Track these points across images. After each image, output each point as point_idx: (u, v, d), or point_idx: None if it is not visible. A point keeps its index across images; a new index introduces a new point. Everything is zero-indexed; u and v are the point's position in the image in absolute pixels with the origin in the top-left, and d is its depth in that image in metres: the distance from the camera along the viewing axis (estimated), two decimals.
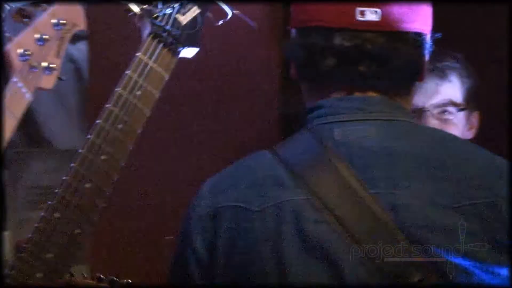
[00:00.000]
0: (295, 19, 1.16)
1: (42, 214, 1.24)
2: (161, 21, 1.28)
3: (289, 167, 1.09)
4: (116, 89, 1.28)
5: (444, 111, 1.75)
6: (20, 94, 1.55)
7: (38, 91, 1.56)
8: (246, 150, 2.44)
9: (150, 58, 1.27)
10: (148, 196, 2.27)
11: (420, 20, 1.12)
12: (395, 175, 1.05)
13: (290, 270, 1.05)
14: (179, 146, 2.29)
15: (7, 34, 1.52)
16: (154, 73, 1.28)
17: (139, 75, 1.27)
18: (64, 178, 1.22)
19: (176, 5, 1.30)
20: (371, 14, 1.06)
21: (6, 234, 1.89)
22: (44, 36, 1.53)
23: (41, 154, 2.22)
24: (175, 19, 1.28)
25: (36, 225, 1.24)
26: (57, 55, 1.57)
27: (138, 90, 1.26)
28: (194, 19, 1.30)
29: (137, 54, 1.28)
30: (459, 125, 1.77)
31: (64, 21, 1.55)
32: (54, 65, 1.55)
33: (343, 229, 1.03)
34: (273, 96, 2.66)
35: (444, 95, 1.79)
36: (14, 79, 1.53)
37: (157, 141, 2.23)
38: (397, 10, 1.07)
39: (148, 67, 1.27)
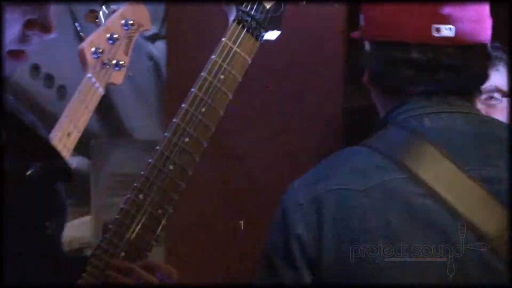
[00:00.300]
0: (371, 33, 1.27)
1: (128, 195, 1.25)
2: (246, 6, 1.29)
3: (386, 154, 1.18)
4: (201, 74, 1.26)
5: (490, 97, 1.81)
6: (93, 89, 1.67)
7: (110, 86, 1.70)
8: (312, 145, 2.37)
9: (234, 43, 1.27)
10: (221, 178, 2.31)
11: (485, 33, 1.22)
12: (484, 153, 1.15)
13: (400, 238, 1.14)
14: (251, 138, 2.32)
15: (81, 34, 1.66)
16: (238, 57, 1.28)
17: (224, 60, 1.26)
18: (149, 161, 1.22)
19: None
20: (446, 31, 1.17)
21: (89, 218, 2.06)
22: (114, 36, 1.65)
23: (122, 145, 2.32)
24: (260, 3, 1.29)
25: (121, 206, 1.25)
26: (126, 53, 1.69)
27: (222, 74, 1.25)
28: (278, 2, 1.31)
29: (222, 39, 1.27)
30: (503, 111, 1.82)
31: (132, 22, 1.67)
32: (123, 62, 1.68)
33: (445, 202, 1.12)
34: (337, 93, 2.68)
35: (491, 82, 1.86)
36: (88, 75, 1.66)
37: (231, 132, 2.24)
38: (468, 26, 1.18)
39: (233, 51, 1.27)
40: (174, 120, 1.20)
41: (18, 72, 1.21)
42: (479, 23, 1.23)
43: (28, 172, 1.21)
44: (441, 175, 1.19)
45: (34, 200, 1.23)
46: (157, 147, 1.20)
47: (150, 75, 2.50)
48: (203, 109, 1.20)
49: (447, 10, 1.23)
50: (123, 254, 1.19)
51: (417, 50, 1.21)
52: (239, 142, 2.29)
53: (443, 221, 1.16)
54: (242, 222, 2.23)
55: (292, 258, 1.20)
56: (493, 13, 1.60)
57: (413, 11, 1.25)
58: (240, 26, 1.26)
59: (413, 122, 1.21)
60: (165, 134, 1.21)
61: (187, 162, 1.19)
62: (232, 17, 1.28)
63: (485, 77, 1.26)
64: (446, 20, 1.20)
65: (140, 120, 2.41)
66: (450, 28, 1.19)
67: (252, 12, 1.26)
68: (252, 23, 1.26)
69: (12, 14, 1.09)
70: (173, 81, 2.36)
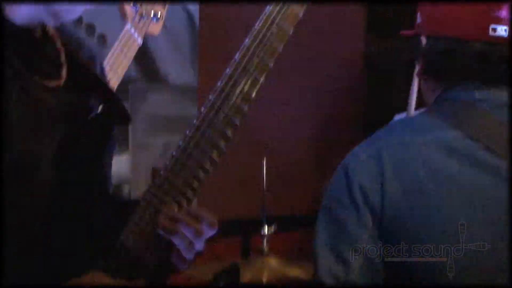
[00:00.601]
0: (430, 29, 1.43)
1: (180, 143, 1.31)
2: None
3: (439, 117, 1.35)
4: (255, 27, 1.33)
5: None
6: (132, 39, 1.79)
7: (147, 36, 1.83)
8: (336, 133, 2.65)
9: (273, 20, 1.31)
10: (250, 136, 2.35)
11: None
12: None
13: (455, 178, 1.30)
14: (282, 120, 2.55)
15: None
16: (289, 12, 1.32)
17: (277, 13, 1.33)
18: (202, 109, 1.27)
19: None
20: (502, 32, 1.32)
21: (126, 156, 2.19)
22: None
23: (158, 89, 2.44)
24: None
25: (172, 153, 1.31)
26: (163, 5, 1.81)
27: (274, 26, 1.32)
28: None
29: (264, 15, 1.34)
30: None
31: None
32: (160, 14, 1.80)
33: (500, 155, 1.31)
34: (359, 87, 2.93)
35: None
36: (128, 26, 1.78)
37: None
38: None
39: (284, 7, 1.33)
40: (226, 71, 1.26)
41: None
42: None
43: (92, 115, 1.30)
44: (492, 132, 1.34)
45: (95, 139, 1.33)
46: (210, 97, 1.26)
47: (185, 25, 2.60)
48: (255, 60, 1.28)
49: (504, 13, 1.38)
50: (168, 199, 1.26)
51: (474, 45, 1.36)
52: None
53: (503, 171, 1.30)
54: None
55: (356, 207, 1.32)
56: None
57: (473, 10, 1.40)
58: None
59: (463, 94, 1.35)
60: (219, 83, 1.27)
61: (235, 112, 1.25)
62: None
63: None
64: (502, 21, 1.35)
65: (175, 67, 2.51)
66: (505, 30, 1.35)
67: None
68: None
69: None
70: (206, 31, 2.55)
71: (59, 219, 1.26)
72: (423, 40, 1.43)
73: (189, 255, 1.27)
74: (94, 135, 1.36)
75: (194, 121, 1.25)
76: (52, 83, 1.28)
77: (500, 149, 1.33)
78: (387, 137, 1.41)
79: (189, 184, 1.27)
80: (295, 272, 2.03)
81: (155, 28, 1.85)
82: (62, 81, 1.29)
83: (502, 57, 1.37)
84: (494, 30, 1.37)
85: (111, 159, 1.43)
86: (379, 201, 1.32)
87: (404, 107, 1.99)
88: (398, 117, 2.03)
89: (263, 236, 2.06)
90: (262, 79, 1.27)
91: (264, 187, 2.14)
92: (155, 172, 1.34)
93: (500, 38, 1.35)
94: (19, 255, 1.24)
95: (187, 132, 1.25)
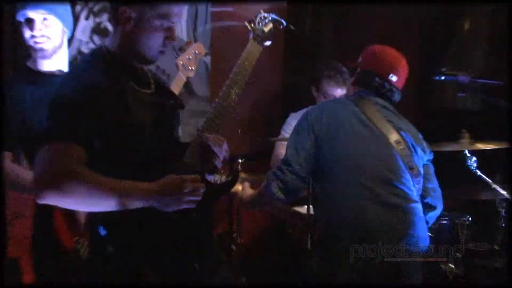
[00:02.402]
0: (364, 65, 2.53)
1: (207, 116, 2.03)
2: (257, 30, 2.12)
3: (351, 101, 2.47)
4: (235, 68, 2.05)
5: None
6: (181, 79, 2.81)
7: (188, 77, 2.82)
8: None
9: (250, 47, 2.08)
10: None
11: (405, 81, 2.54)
12: (393, 114, 2.49)
13: (353, 132, 2.34)
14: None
15: (176, 50, 2.82)
16: (252, 53, 2.07)
17: (246, 58, 2.05)
18: (213, 103, 2.01)
19: (266, 19, 2.14)
20: (393, 78, 2.48)
21: (181, 126, 2.19)
22: (190, 57, 2.81)
23: (191, 97, 3.80)
24: (264, 28, 2.13)
25: (206, 116, 2.00)
26: (195, 64, 2.83)
27: (245, 66, 2.05)
28: (271, 27, 2.16)
29: (247, 46, 2.09)
30: None
31: (197, 51, 2.88)
32: (193, 68, 2.85)
33: (374, 123, 2.37)
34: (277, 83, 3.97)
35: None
36: (180, 73, 2.79)
37: None
38: (402, 78, 2.55)
39: (249, 50, 2.07)
40: (223, 87, 1.98)
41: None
42: (405, 78, 2.51)
43: (166, 105, 1.93)
44: (373, 114, 2.36)
45: (169, 117, 1.98)
46: (216, 99, 2.01)
47: (204, 69, 4.00)
48: (237, 78, 1.98)
49: (399, 70, 2.49)
50: (210, 131, 1.97)
51: (381, 79, 2.44)
52: None
53: (373, 128, 2.33)
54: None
55: (308, 130, 2.32)
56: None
57: (386, 65, 2.47)
58: (255, 41, 2.08)
59: (365, 94, 2.44)
60: (220, 93, 2.02)
61: (229, 105, 1.98)
62: (251, 35, 2.09)
63: (399, 95, 2.52)
64: (396, 73, 2.48)
65: (199, 87, 3.88)
66: (396, 79, 2.50)
67: (260, 33, 2.10)
68: (259, 38, 2.11)
69: (158, 33, 1.80)
70: (214, 72, 3.95)
71: (155, 150, 1.82)
72: (359, 70, 2.53)
73: (219, 162, 1.95)
74: (169, 115, 1.97)
75: (210, 108, 1.97)
76: (147, 91, 1.89)
77: (371, 117, 2.37)
78: (326, 103, 2.58)
79: (216, 125, 1.96)
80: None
81: (191, 74, 2.85)
82: (151, 91, 1.91)
83: (391, 87, 2.46)
84: (392, 76, 2.49)
85: (177, 126, 2.03)
86: (318, 129, 2.34)
87: None
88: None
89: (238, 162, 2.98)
90: (240, 91, 1.99)
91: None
92: (198, 130, 1.98)
93: (391, 80, 2.49)
94: (135, 165, 1.78)
95: (208, 113, 1.96)
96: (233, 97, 2.01)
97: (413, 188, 2.37)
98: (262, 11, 2.11)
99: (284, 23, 2.15)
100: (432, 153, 2.54)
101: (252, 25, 2.09)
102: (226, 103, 2.01)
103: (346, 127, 2.37)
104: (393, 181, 2.30)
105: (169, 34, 1.81)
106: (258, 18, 2.09)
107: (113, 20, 1.83)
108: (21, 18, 2.43)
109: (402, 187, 2.33)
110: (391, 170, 2.32)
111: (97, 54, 1.87)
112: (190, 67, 2.77)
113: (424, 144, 2.46)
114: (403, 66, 2.49)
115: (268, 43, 2.12)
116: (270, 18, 2.12)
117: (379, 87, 2.47)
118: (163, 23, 1.79)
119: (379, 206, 2.24)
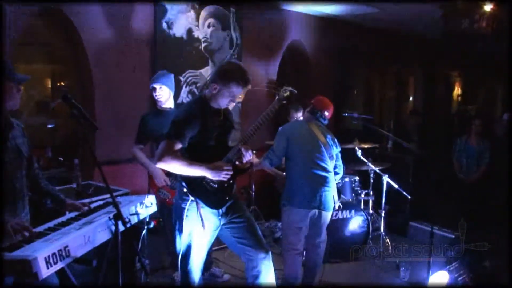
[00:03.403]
0: (316, 106, 4.21)
1: (246, 133, 3.10)
2: (282, 93, 3.21)
3: (305, 121, 4.21)
4: (264, 113, 3.08)
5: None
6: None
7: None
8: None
9: (275, 103, 3.10)
10: None
11: (331, 113, 4.29)
12: (322, 132, 4.19)
13: (305, 140, 4.10)
14: None
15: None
16: (275, 107, 3.09)
17: (272, 107, 3.08)
18: (248, 130, 3.06)
19: (287, 90, 3.19)
20: (326, 113, 4.25)
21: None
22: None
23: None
24: (284, 94, 3.18)
25: (245, 133, 3.08)
26: (244, 94, 5.12)
27: (270, 112, 3.09)
28: (288, 94, 3.20)
29: (273, 103, 3.11)
30: None
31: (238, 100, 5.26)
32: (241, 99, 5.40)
33: (317, 135, 4.10)
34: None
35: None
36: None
37: None
38: (328, 115, 4.31)
39: (274, 105, 3.10)
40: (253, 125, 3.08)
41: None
42: (331, 113, 4.27)
43: (226, 125, 3.19)
44: (314, 128, 4.08)
45: (226, 132, 3.23)
46: (249, 129, 3.08)
47: (237, 112, 6.31)
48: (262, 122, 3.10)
49: (329, 109, 4.23)
50: (244, 142, 3.08)
51: (321, 112, 4.15)
52: None
53: (313, 135, 4.07)
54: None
55: (282, 138, 4.04)
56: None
57: (323, 106, 4.20)
58: (279, 101, 3.23)
59: (312, 119, 4.16)
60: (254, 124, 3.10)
61: (254, 133, 3.09)
62: (276, 97, 3.23)
63: (327, 121, 4.22)
64: (328, 110, 4.22)
65: (236, 119, 5.71)
66: (327, 113, 4.22)
67: (282, 97, 3.24)
68: (281, 99, 3.24)
69: (227, 98, 3.07)
70: (243, 112, 6.37)
71: (215, 149, 2.99)
72: (310, 106, 4.19)
73: (245, 159, 3.08)
74: (226, 131, 3.13)
75: (246, 132, 3.07)
76: (219, 118, 3.10)
77: (313, 130, 4.02)
78: (292, 122, 4.57)
79: (247, 140, 3.06)
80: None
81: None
82: (221, 118, 3.10)
83: (324, 117, 4.11)
84: (326, 112, 4.18)
85: (229, 137, 3.15)
86: (288, 135, 4.05)
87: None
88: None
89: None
90: (263, 126, 3.09)
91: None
92: (237, 141, 3.07)
93: (325, 114, 4.17)
94: (205, 155, 2.93)
95: (243, 134, 3.06)
96: (258, 129, 3.01)
97: (330, 165, 4.08)
98: (285, 85, 3.23)
99: (296, 92, 3.12)
100: (340, 147, 4.26)
101: (279, 91, 3.12)
102: (253, 132, 3.03)
103: (301, 134, 4.02)
104: (320, 161, 3.99)
105: (232, 100, 2.96)
106: (283, 89, 3.12)
107: (206, 87, 2.81)
108: (151, 86, 4.30)
109: (324, 164, 4.02)
110: (320, 156, 4.00)
111: (199, 98, 3.04)
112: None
113: (337, 143, 4.16)
114: (331, 107, 4.14)
115: (285, 102, 3.15)
116: (289, 89, 3.14)
117: (319, 116, 4.11)
118: (230, 94, 2.95)
119: (313, 173, 3.97)
